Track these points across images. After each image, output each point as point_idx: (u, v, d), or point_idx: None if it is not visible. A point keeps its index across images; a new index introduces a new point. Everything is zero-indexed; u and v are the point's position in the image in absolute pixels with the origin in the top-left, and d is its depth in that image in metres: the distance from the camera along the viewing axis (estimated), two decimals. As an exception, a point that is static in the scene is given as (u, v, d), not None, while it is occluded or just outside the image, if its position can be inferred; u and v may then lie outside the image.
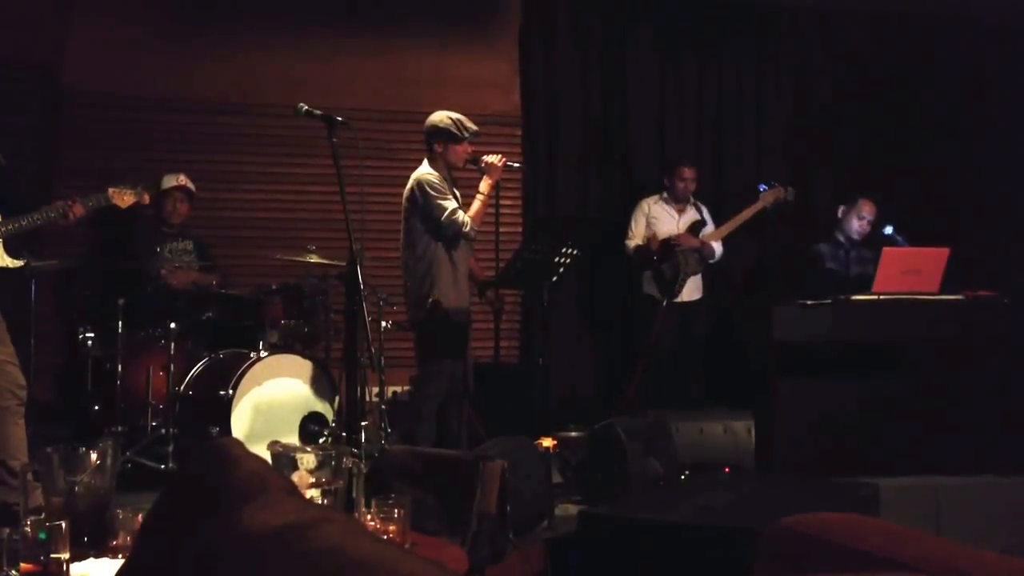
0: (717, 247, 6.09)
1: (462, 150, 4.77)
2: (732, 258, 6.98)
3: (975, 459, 4.58)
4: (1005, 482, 4.46)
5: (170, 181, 5.59)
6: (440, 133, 4.75)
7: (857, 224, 5.85)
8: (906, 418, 4.69)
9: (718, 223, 6.15)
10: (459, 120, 4.76)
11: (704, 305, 6.27)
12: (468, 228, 4.67)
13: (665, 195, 6.22)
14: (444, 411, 4.80)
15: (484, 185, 4.75)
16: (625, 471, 4.27)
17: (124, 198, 4.33)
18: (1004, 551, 1.44)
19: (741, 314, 6.70)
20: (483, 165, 4.77)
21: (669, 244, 5.96)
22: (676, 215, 6.17)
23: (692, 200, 6.22)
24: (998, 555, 1.40)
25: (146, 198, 4.46)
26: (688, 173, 6.15)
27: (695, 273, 6.03)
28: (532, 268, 4.97)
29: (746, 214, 6.05)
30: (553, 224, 6.63)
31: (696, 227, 6.06)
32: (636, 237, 6.15)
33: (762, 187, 6.13)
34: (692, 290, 6.07)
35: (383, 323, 5.49)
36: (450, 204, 4.67)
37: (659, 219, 6.14)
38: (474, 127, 4.80)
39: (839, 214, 5.97)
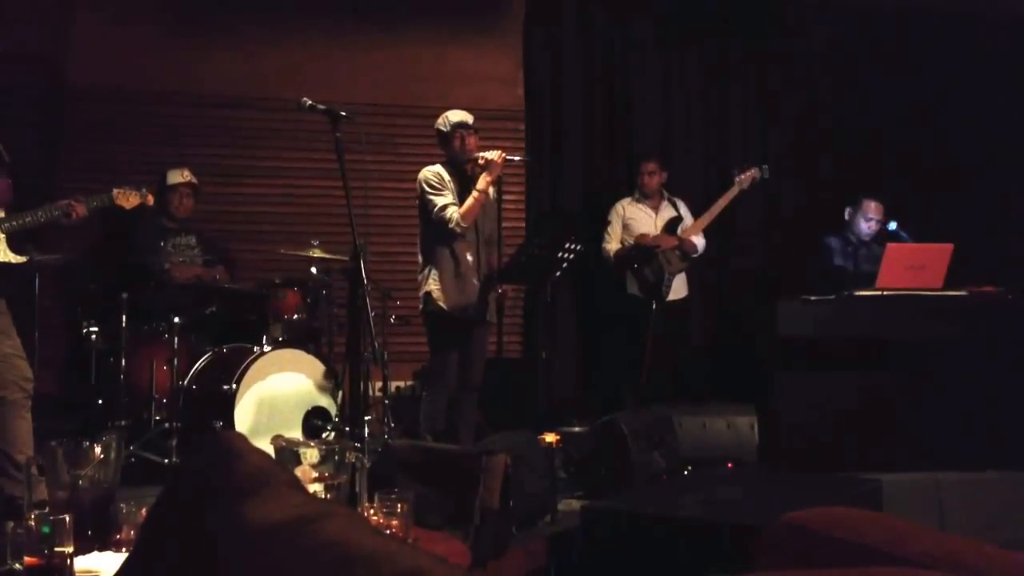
0: (698, 240, 6.01)
1: (457, 143, 4.81)
2: (738, 254, 6.99)
3: (978, 454, 4.57)
4: (1008, 477, 4.45)
5: (175, 177, 5.60)
6: (436, 134, 4.90)
7: (865, 226, 5.79)
8: (909, 413, 4.68)
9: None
10: (445, 116, 4.87)
11: (691, 302, 6.26)
12: (455, 224, 4.69)
13: (637, 195, 6.18)
14: (452, 405, 4.83)
15: (481, 181, 4.74)
16: (628, 466, 4.27)
17: (129, 199, 4.32)
18: (1007, 546, 1.44)
19: (745, 309, 6.70)
20: (482, 162, 4.78)
21: (649, 248, 5.91)
22: (652, 214, 6.12)
23: (666, 196, 6.18)
24: (1001, 550, 1.40)
25: (150, 199, 4.46)
26: (649, 167, 6.11)
27: (679, 271, 5.98)
28: (535, 263, 4.97)
29: (723, 201, 5.99)
30: (556, 219, 6.62)
31: (673, 225, 6.00)
32: (613, 240, 6.11)
33: (735, 171, 6.08)
34: (678, 288, 6.02)
35: (387, 317, 5.51)
36: (441, 199, 4.71)
37: (636, 219, 6.10)
38: (458, 118, 4.83)
39: (846, 216, 5.88)
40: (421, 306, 4.84)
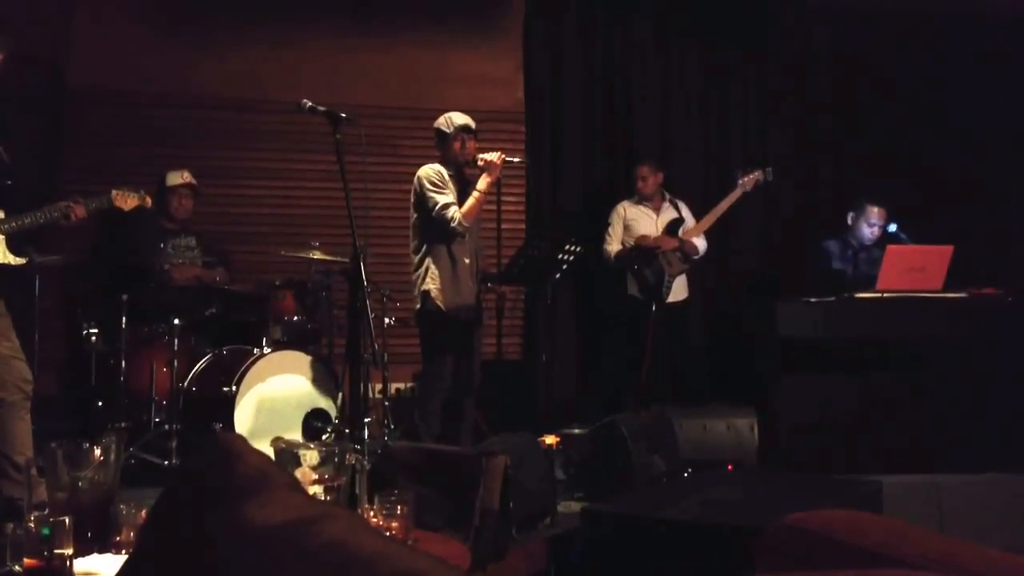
0: (700, 243, 5.99)
1: (458, 145, 4.81)
2: (738, 255, 6.98)
3: (978, 456, 4.57)
4: (1008, 479, 4.45)
5: (175, 178, 5.60)
6: (436, 134, 4.89)
7: (868, 231, 5.73)
8: (909, 415, 4.69)
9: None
10: (448, 117, 4.87)
11: (691, 304, 6.25)
12: (456, 223, 4.68)
13: (636, 196, 6.18)
14: (451, 407, 4.82)
15: (482, 183, 4.75)
16: (628, 468, 4.27)
17: (127, 201, 4.32)
18: (1007, 548, 1.44)
19: (745, 311, 6.69)
20: (481, 164, 4.78)
21: (649, 249, 5.90)
22: (654, 215, 6.10)
23: (668, 197, 6.17)
24: (1001, 552, 1.40)
25: (148, 201, 4.46)
26: (642, 171, 6.10)
27: (680, 273, 5.97)
28: (535, 265, 4.98)
29: (725, 204, 5.96)
30: (556, 221, 6.62)
31: (674, 226, 5.98)
32: (614, 241, 6.10)
33: (738, 173, 6.04)
34: (678, 290, 6.01)
35: (386, 319, 5.51)
36: (443, 198, 4.71)
37: (637, 221, 6.09)
38: (462, 121, 4.84)
39: (848, 221, 5.82)
40: (418, 305, 4.83)
